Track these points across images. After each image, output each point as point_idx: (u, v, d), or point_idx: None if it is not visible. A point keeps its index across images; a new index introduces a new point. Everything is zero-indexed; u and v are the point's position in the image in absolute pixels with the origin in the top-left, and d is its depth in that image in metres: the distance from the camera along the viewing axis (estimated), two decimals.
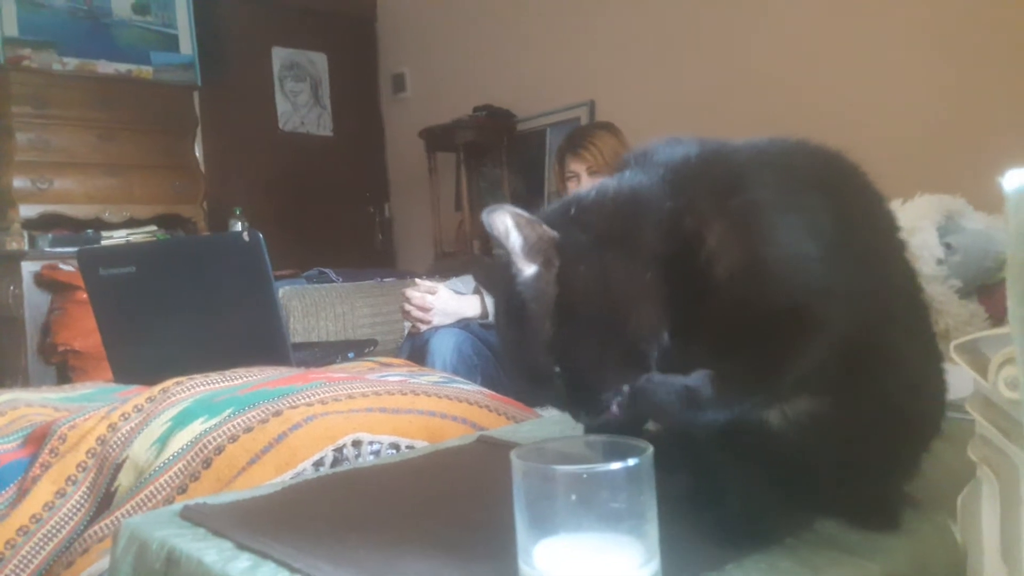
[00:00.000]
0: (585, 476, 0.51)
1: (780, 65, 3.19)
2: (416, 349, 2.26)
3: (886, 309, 0.65)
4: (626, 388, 0.62)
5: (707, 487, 0.69)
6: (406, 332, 2.42)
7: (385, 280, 3.39)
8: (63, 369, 3.60)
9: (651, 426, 0.80)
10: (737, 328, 0.61)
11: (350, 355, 1.81)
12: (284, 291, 3.14)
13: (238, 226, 4.18)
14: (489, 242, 0.69)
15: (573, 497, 0.52)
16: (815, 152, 0.70)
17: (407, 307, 2.30)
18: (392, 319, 3.16)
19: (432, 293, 2.29)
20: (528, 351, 0.64)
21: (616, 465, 0.51)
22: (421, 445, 1.16)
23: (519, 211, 0.62)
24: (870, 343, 0.63)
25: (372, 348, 1.91)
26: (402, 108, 5.08)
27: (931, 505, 0.70)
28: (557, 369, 0.63)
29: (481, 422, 1.28)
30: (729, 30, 3.39)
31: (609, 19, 3.85)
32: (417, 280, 2.40)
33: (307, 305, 3.13)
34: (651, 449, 0.54)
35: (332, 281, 3.34)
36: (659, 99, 3.57)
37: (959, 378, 0.69)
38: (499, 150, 4.22)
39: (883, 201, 0.71)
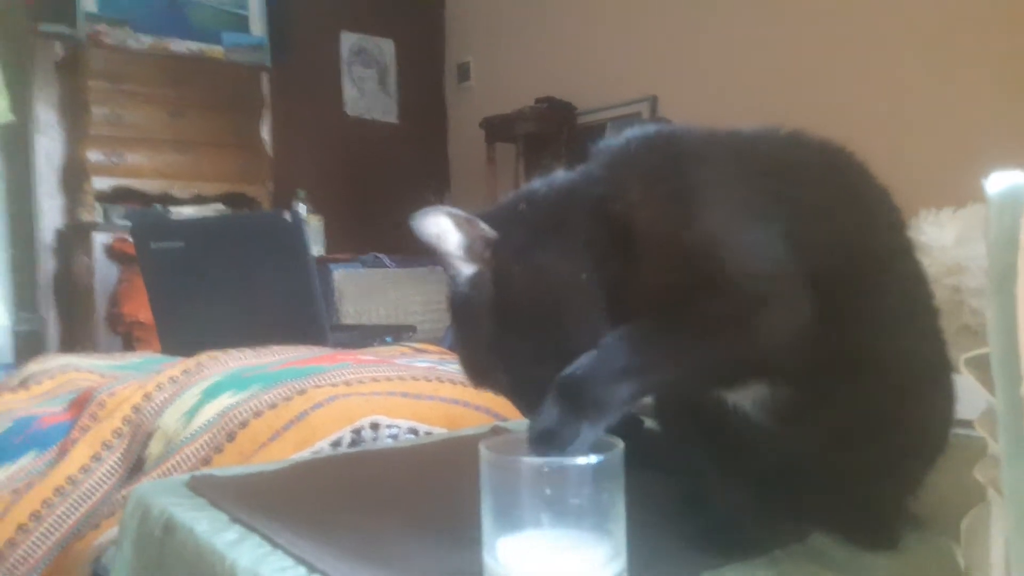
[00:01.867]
0: (546, 470, 0.51)
1: (847, 61, 3.10)
2: None
3: (878, 307, 0.62)
4: None
5: (695, 491, 0.68)
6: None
7: (437, 268, 3.41)
8: (128, 340, 3.72)
9: (650, 424, 0.80)
10: (661, 309, 0.59)
11: (388, 339, 1.83)
12: (338, 274, 3.20)
13: (301, 208, 4.26)
14: None
15: (535, 490, 0.51)
16: (806, 143, 0.68)
17: None
18: (443, 307, 3.19)
19: None
20: (473, 349, 0.64)
21: (580, 460, 0.51)
22: (439, 432, 1.17)
23: (456, 211, 0.61)
24: (858, 339, 0.60)
25: (411, 334, 1.93)
26: (466, 97, 5.10)
27: (933, 526, 0.67)
28: (500, 366, 0.62)
29: (504, 412, 1.28)
30: (793, 26, 3.31)
31: (673, 15, 3.79)
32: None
33: (360, 289, 3.18)
34: (621, 446, 0.53)
35: (386, 266, 3.38)
36: (721, 96, 3.51)
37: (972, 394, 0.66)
38: (558, 143, 4.20)
39: (887, 197, 0.68)
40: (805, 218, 0.61)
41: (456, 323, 0.66)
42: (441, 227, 0.62)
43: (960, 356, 0.60)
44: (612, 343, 0.57)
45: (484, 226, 0.62)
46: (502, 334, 0.61)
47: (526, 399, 0.62)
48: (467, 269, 0.63)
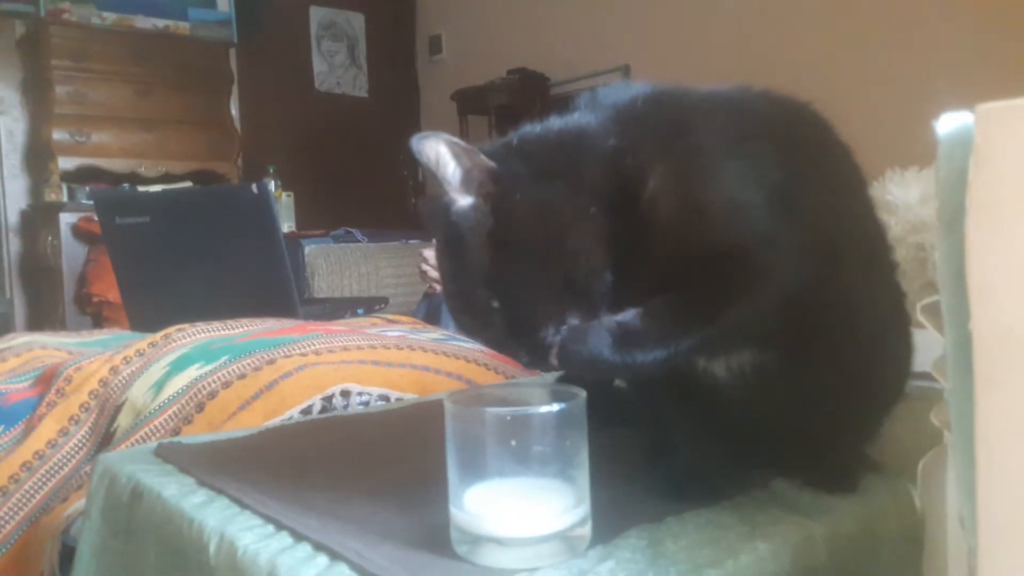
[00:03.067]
0: (509, 418, 0.51)
1: (812, 25, 3.11)
2: (431, 309, 2.27)
3: (842, 266, 0.63)
4: (566, 324, 0.60)
5: (659, 441, 0.68)
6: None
7: (410, 241, 3.41)
8: (98, 320, 3.68)
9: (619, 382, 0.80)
10: (675, 271, 0.59)
11: (359, 311, 1.82)
12: (310, 249, 3.18)
13: (271, 184, 4.22)
14: None
15: (500, 440, 0.52)
16: (776, 100, 0.68)
17: (424, 267, 2.31)
18: (415, 279, 3.19)
19: None
20: (466, 285, 0.62)
21: (542, 408, 0.51)
22: (411, 398, 1.17)
23: (454, 139, 0.60)
24: (824, 299, 0.61)
25: (382, 306, 1.92)
26: (438, 70, 5.06)
27: (892, 470, 0.68)
28: (495, 304, 0.60)
29: (476, 379, 1.28)
30: None
31: None
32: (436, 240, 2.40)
33: (332, 264, 3.16)
34: (583, 395, 0.53)
35: (358, 241, 3.36)
36: (692, 62, 3.50)
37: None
38: (531, 114, 4.13)
39: (849, 156, 0.69)
40: (795, 178, 0.62)
41: (447, 256, 0.64)
42: (440, 153, 0.60)
43: (918, 305, 0.61)
44: (653, 311, 0.58)
45: (483, 157, 0.61)
46: (500, 267, 0.60)
47: (521, 340, 0.61)
48: (464, 199, 0.61)
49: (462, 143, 0.61)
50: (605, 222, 0.60)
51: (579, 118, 0.65)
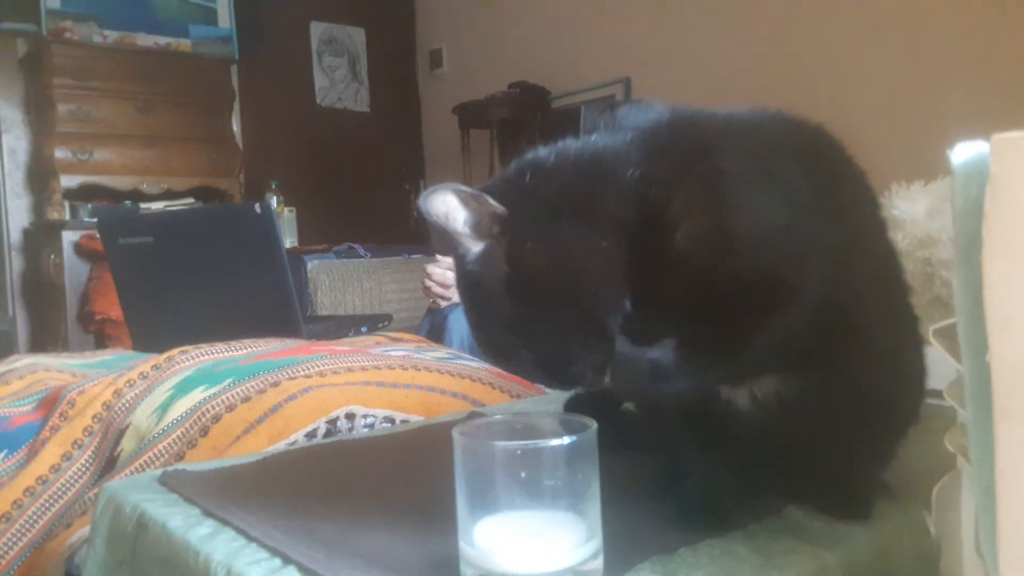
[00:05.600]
0: (519, 452, 0.50)
1: (817, 38, 3.11)
2: (435, 325, 2.26)
3: (859, 288, 0.62)
4: (592, 358, 0.60)
5: (671, 467, 0.67)
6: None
7: (412, 256, 3.40)
8: (100, 337, 3.68)
9: (629, 406, 0.79)
10: (703, 298, 0.58)
11: (363, 329, 1.82)
12: (312, 265, 3.17)
13: (273, 200, 4.22)
14: None
15: (510, 473, 0.51)
16: (792, 123, 0.67)
17: (428, 283, 2.30)
18: (418, 295, 3.18)
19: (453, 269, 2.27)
20: (490, 330, 0.62)
21: (553, 442, 0.50)
22: (416, 420, 1.16)
23: (461, 187, 0.59)
24: (841, 322, 0.60)
25: (386, 323, 1.91)
26: (438, 84, 5.07)
27: (906, 495, 0.68)
28: (520, 345, 0.61)
29: (481, 398, 1.28)
30: (763, 6, 3.32)
31: None
32: (439, 256, 2.39)
33: (334, 279, 3.16)
34: (594, 427, 0.52)
35: (360, 256, 3.36)
36: (694, 76, 3.51)
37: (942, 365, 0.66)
38: (533, 127, 4.18)
39: (863, 176, 0.68)
40: (814, 201, 0.61)
41: (468, 304, 0.64)
42: (449, 205, 0.60)
43: (931, 328, 0.60)
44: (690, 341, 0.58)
45: (492, 202, 0.60)
46: (520, 311, 0.60)
47: (554, 374, 0.61)
48: (476, 247, 0.61)
49: (470, 190, 0.60)
50: (626, 253, 0.59)
51: (597, 144, 0.64)
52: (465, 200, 0.60)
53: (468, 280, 0.62)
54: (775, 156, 0.62)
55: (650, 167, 0.61)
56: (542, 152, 0.65)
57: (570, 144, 0.65)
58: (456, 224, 0.60)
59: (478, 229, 0.61)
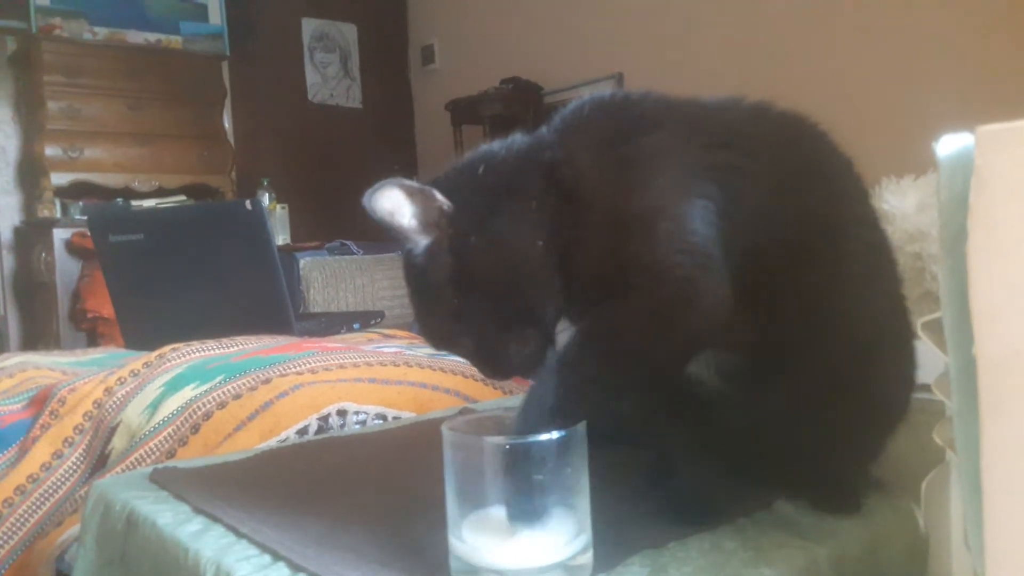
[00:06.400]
0: (508, 447, 0.50)
1: (808, 32, 3.11)
2: None
3: (837, 276, 0.62)
4: (527, 343, 0.63)
5: (659, 463, 0.67)
6: None
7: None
8: (92, 336, 3.66)
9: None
10: (604, 284, 0.59)
11: (356, 326, 1.81)
12: (305, 262, 3.16)
13: (264, 197, 4.21)
14: None
15: (499, 469, 0.51)
16: (772, 113, 0.67)
17: None
18: None
19: None
20: (433, 318, 0.65)
21: (541, 437, 0.50)
22: (408, 416, 1.16)
23: (408, 182, 0.61)
24: (823, 312, 0.60)
25: (378, 320, 1.91)
26: (431, 80, 5.06)
27: (895, 489, 0.68)
28: (463, 333, 0.63)
29: (473, 394, 1.27)
30: (759, 0, 3.32)
31: None
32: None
33: (327, 276, 3.15)
34: (582, 422, 0.52)
35: (353, 253, 3.35)
36: (687, 71, 3.50)
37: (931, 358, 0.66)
38: (525, 123, 4.14)
39: (849, 167, 0.68)
40: (764, 189, 0.61)
41: (413, 293, 0.66)
42: (395, 201, 0.61)
43: (919, 321, 0.60)
44: (547, 384, 0.57)
45: (439, 196, 0.62)
46: (463, 302, 0.62)
47: (490, 362, 0.64)
48: (423, 240, 0.62)
49: (416, 184, 0.61)
50: (552, 243, 0.61)
51: (533, 135, 0.66)
52: (412, 194, 0.61)
53: (414, 271, 0.64)
54: (708, 141, 0.62)
55: (563, 150, 0.63)
56: (495, 145, 0.67)
57: (518, 137, 0.66)
58: (403, 220, 0.61)
59: (424, 223, 0.62)
